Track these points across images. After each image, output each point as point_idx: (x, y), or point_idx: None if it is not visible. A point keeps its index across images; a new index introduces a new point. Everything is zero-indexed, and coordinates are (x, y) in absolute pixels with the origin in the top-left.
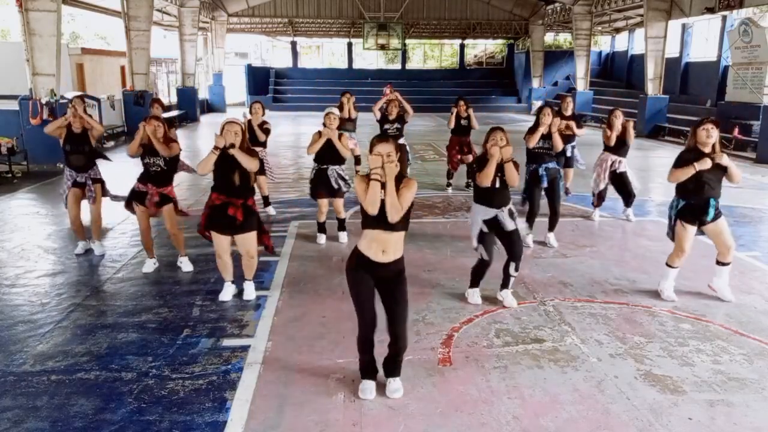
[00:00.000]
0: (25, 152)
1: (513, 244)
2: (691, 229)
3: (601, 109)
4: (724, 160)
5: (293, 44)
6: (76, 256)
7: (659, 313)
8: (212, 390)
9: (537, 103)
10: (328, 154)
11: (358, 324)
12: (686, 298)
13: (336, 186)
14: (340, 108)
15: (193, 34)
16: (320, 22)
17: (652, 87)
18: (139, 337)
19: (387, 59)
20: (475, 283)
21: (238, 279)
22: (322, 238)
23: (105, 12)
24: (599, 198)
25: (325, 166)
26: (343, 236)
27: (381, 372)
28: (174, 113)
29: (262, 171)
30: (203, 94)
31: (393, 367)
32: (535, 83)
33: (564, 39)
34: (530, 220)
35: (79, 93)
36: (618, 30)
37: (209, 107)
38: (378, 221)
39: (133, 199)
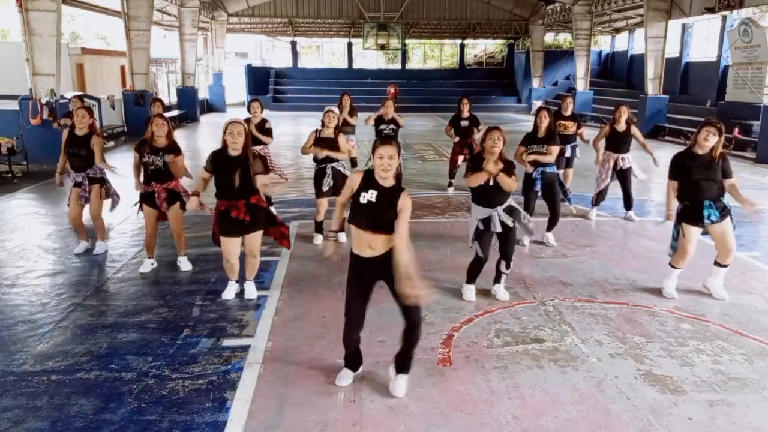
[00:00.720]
0: (25, 152)
1: (505, 243)
2: (694, 231)
3: (601, 109)
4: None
5: (293, 44)
6: (76, 256)
7: (659, 313)
8: (212, 390)
9: (537, 103)
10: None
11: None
12: (686, 298)
13: (331, 184)
14: (340, 109)
15: (193, 34)
16: (320, 22)
17: (652, 87)
18: (139, 337)
19: (387, 59)
20: (470, 279)
21: (240, 278)
22: (318, 239)
23: (105, 12)
24: (598, 197)
25: (323, 165)
26: (342, 236)
27: (387, 371)
28: (174, 113)
29: (265, 170)
30: (203, 94)
31: (405, 362)
32: (535, 83)
33: (564, 39)
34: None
35: (79, 93)
36: (618, 30)
37: (209, 107)
38: (359, 221)
39: (142, 202)
